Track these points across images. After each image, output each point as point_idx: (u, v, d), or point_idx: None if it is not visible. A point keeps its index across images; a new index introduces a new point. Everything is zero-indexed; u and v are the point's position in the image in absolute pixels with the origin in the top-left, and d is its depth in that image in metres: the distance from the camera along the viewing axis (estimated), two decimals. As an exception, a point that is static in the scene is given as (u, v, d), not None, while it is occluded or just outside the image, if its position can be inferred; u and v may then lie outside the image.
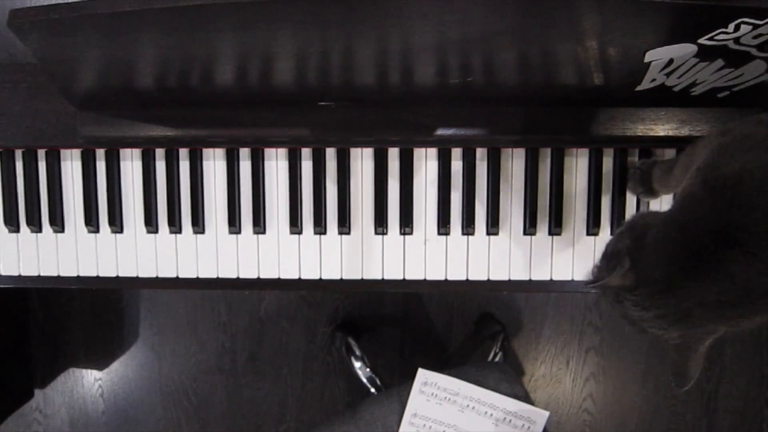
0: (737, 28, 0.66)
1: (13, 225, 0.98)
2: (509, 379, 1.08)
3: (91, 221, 0.97)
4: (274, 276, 0.97)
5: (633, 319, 0.67)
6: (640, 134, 0.87)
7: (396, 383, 1.15)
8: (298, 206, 0.95)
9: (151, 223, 0.96)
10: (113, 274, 0.98)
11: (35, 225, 0.98)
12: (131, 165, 0.97)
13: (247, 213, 0.96)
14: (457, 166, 0.94)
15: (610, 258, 0.68)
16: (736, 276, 0.58)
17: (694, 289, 0.61)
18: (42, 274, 0.99)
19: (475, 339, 1.67)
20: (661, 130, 0.87)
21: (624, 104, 0.86)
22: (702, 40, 0.69)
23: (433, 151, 0.94)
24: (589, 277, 0.70)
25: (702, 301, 0.61)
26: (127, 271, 0.98)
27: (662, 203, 0.92)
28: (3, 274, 0.99)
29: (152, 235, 0.97)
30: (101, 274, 0.98)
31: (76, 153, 0.97)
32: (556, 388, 1.70)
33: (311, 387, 1.72)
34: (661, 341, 0.67)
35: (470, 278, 0.95)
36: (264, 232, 0.96)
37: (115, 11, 0.68)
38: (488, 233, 0.95)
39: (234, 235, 0.97)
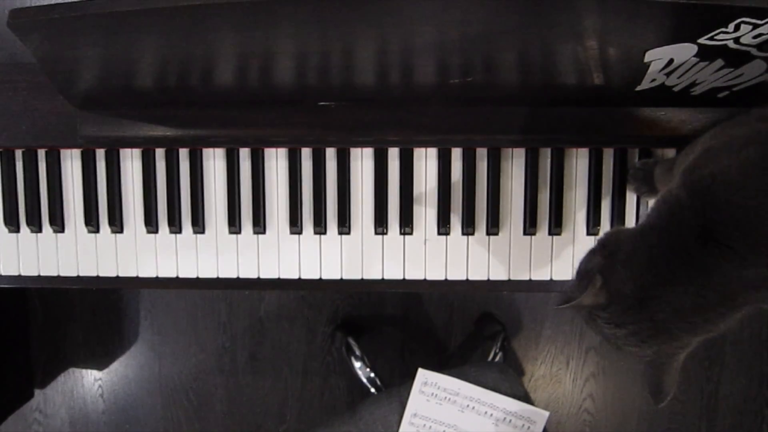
0: (737, 27, 0.66)
1: (13, 225, 0.98)
2: (509, 379, 1.08)
3: (91, 221, 0.97)
4: (274, 276, 0.97)
5: (607, 336, 0.68)
6: (640, 134, 0.87)
7: (396, 383, 1.15)
8: (298, 206, 0.95)
9: (151, 223, 0.96)
10: (113, 274, 0.98)
11: (35, 225, 0.98)
12: (131, 165, 0.97)
13: (247, 213, 0.96)
14: (457, 166, 0.94)
15: (582, 277, 0.69)
16: (714, 271, 0.59)
17: (669, 296, 0.61)
18: (42, 274, 0.99)
19: (475, 339, 1.67)
20: (661, 130, 0.87)
21: (624, 104, 0.86)
22: (702, 40, 0.69)
23: (433, 151, 0.94)
24: (562, 296, 0.70)
25: (678, 307, 0.62)
26: (127, 271, 0.98)
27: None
28: (3, 274, 0.99)
29: (152, 235, 0.97)
30: (101, 274, 0.98)
31: (76, 153, 0.97)
32: (556, 388, 1.70)
33: (311, 387, 1.72)
34: (636, 359, 0.68)
35: (470, 278, 0.95)
36: (264, 232, 0.96)
37: (115, 11, 0.68)
38: (488, 233, 0.95)
39: (234, 235, 0.97)
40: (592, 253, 0.70)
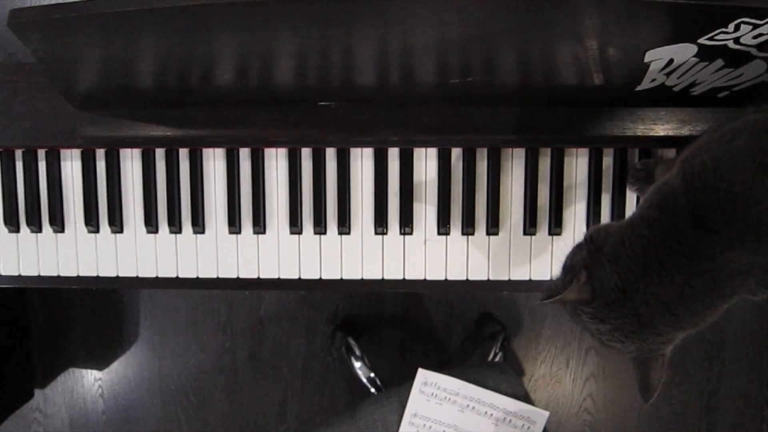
0: (737, 28, 0.67)
1: (13, 225, 0.98)
2: (509, 379, 1.08)
3: (91, 221, 0.97)
4: (274, 276, 0.97)
5: (592, 332, 0.68)
6: (640, 134, 0.87)
7: (396, 383, 1.15)
8: (298, 206, 0.95)
9: (151, 223, 0.96)
10: (113, 274, 0.98)
11: (35, 225, 0.98)
12: (131, 165, 0.97)
13: (247, 213, 0.96)
14: (457, 166, 0.94)
15: (567, 271, 0.69)
16: (703, 258, 0.60)
17: (656, 287, 0.62)
18: (42, 274, 0.99)
19: (475, 339, 1.67)
20: (661, 130, 0.87)
21: (624, 104, 0.86)
22: (702, 40, 0.69)
23: (433, 151, 0.94)
24: (546, 291, 0.70)
25: (663, 299, 0.62)
26: (127, 271, 0.98)
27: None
28: (3, 274, 0.99)
29: (152, 235, 0.97)
30: (101, 274, 0.98)
31: (76, 153, 0.97)
32: (556, 388, 1.70)
33: (311, 387, 1.72)
34: (621, 356, 0.68)
35: (470, 278, 0.95)
36: (264, 232, 0.96)
37: (115, 11, 0.68)
38: (488, 233, 0.95)
39: (234, 235, 0.97)
40: (578, 248, 0.70)
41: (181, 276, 0.97)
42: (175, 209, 0.96)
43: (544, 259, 0.95)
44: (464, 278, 0.95)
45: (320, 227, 0.95)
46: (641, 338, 0.64)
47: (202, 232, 0.97)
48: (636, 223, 0.65)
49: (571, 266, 0.69)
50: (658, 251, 0.62)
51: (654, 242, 0.62)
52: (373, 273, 0.96)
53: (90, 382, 1.76)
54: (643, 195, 0.92)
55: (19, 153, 0.98)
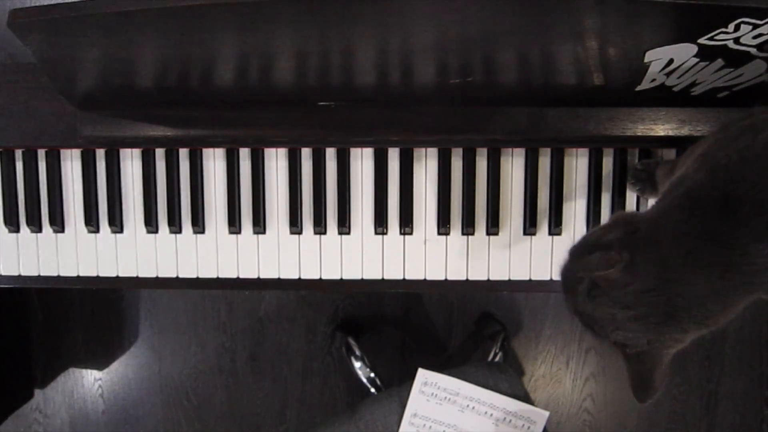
0: (737, 28, 0.67)
1: (13, 225, 0.98)
2: (509, 379, 1.08)
3: (91, 221, 0.97)
4: (274, 276, 0.97)
5: (601, 317, 0.65)
6: (640, 134, 0.87)
7: (396, 383, 1.15)
8: (298, 206, 0.95)
9: (151, 223, 0.96)
10: (113, 274, 0.98)
11: (35, 225, 0.98)
12: (131, 165, 0.97)
13: (247, 213, 0.96)
14: (457, 166, 0.94)
15: (594, 249, 0.65)
16: (737, 250, 0.59)
17: (695, 279, 0.60)
18: (42, 274, 0.99)
19: (475, 339, 1.67)
20: (661, 130, 0.87)
21: (624, 104, 0.86)
22: (702, 40, 0.69)
23: (433, 151, 0.94)
24: (566, 266, 0.68)
25: (698, 293, 0.60)
26: (127, 271, 0.98)
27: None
28: (3, 274, 0.99)
29: (152, 235, 0.97)
30: (101, 274, 0.98)
31: (76, 153, 0.97)
32: (556, 388, 1.70)
33: (311, 387, 1.72)
34: (620, 349, 0.66)
35: (470, 278, 0.95)
36: (264, 232, 0.96)
37: (114, 11, 0.68)
38: (488, 233, 0.95)
39: (234, 235, 0.97)
40: (607, 228, 0.67)
41: (181, 276, 0.97)
42: (175, 209, 0.96)
43: (544, 259, 0.95)
44: (464, 278, 0.95)
45: (320, 227, 0.95)
46: (660, 331, 0.62)
47: (202, 232, 0.97)
48: (667, 211, 0.64)
49: (599, 245, 0.65)
50: (698, 238, 0.60)
51: (694, 230, 0.61)
52: (373, 273, 0.96)
53: (90, 382, 1.76)
54: (643, 196, 0.92)
55: (19, 153, 0.98)
